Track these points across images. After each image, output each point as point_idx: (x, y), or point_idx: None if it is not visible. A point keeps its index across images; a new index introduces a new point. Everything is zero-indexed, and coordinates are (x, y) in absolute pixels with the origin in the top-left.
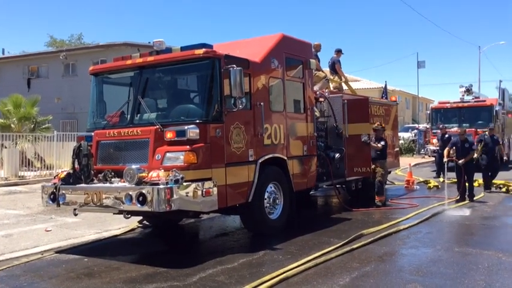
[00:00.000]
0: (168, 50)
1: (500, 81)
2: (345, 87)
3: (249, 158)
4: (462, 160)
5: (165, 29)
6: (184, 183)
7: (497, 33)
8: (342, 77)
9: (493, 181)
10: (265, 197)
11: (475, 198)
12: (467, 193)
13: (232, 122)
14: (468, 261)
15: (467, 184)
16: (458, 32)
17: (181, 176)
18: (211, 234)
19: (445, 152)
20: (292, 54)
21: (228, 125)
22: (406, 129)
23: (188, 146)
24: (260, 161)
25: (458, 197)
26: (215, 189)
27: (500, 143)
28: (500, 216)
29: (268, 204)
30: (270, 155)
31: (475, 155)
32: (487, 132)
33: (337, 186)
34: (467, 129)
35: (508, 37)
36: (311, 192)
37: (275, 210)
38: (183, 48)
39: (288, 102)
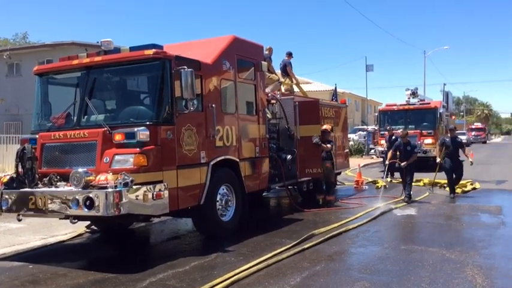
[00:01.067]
0: (117, 50)
1: (444, 84)
2: (296, 89)
3: (201, 160)
4: (404, 163)
5: (115, 29)
6: (134, 187)
7: (441, 39)
8: (293, 79)
9: (437, 180)
10: (218, 199)
11: (419, 198)
12: (405, 193)
13: (184, 124)
14: (414, 258)
15: (408, 184)
16: (405, 37)
17: (130, 179)
18: (162, 237)
19: (389, 154)
20: (244, 56)
21: (180, 127)
22: (355, 131)
23: (138, 149)
24: (212, 163)
25: (404, 197)
26: (166, 192)
27: (463, 146)
28: (444, 214)
29: (220, 207)
30: (222, 157)
31: (438, 159)
32: (448, 134)
33: (289, 187)
34: (413, 131)
35: (451, 42)
36: (264, 194)
37: (227, 212)
38: (132, 49)
39: (240, 104)
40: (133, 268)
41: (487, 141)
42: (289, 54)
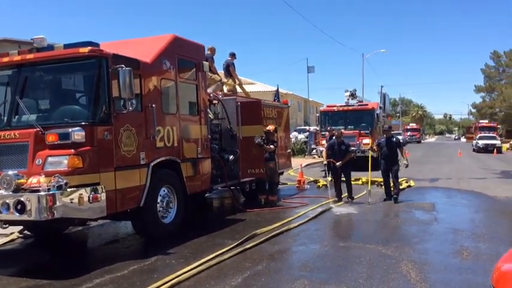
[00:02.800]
0: (50, 47)
1: (382, 86)
2: (239, 89)
3: (141, 161)
4: (339, 162)
5: (50, 27)
6: (69, 189)
7: (379, 42)
8: (236, 80)
9: (374, 179)
10: (158, 200)
11: (357, 196)
12: (347, 193)
13: (122, 124)
14: (352, 255)
15: (347, 184)
16: (345, 39)
17: (65, 181)
18: (100, 241)
19: (323, 153)
20: (185, 55)
21: (118, 128)
22: (299, 131)
23: (73, 150)
24: (152, 164)
25: (336, 198)
26: (103, 194)
27: (401, 145)
28: (381, 212)
29: (161, 208)
30: (163, 158)
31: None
32: (384, 135)
33: (232, 187)
34: (352, 131)
35: (388, 46)
36: (206, 195)
37: (169, 214)
38: (66, 46)
39: (181, 104)
40: (68, 274)
41: (422, 141)
42: (233, 55)
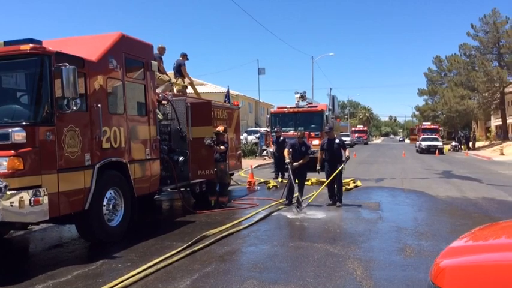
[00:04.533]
0: None
1: (331, 89)
2: (190, 90)
3: (85, 163)
4: (296, 163)
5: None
6: (8, 192)
7: (328, 45)
8: (188, 79)
9: (323, 180)
10: (104, 203)
11: (306, 197)
12: (298, 194)
13: (66, 124)
14: (301, 254)
15: (300, 185)
16: (295, 42)
17: (4, 184)
18: (43, 246)
19: (285, 153)
20: (133, 54)
21: (61, 128)
22: (249, 133)
23: (13, 151)
24: (97, 165)
25: (286, 199)
26: (46, 197)
27: (345, 147)
28: (329, 211)
29: (107, 211)
30: (109, 159)
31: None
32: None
33: (182, 189)
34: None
35: (336, 49)
36: (155, 197)
37: (115, 217)
38: (6, 43)
39: (128, 104)
40: (9, 280)
41: (369, 143)
42: (184, 56)
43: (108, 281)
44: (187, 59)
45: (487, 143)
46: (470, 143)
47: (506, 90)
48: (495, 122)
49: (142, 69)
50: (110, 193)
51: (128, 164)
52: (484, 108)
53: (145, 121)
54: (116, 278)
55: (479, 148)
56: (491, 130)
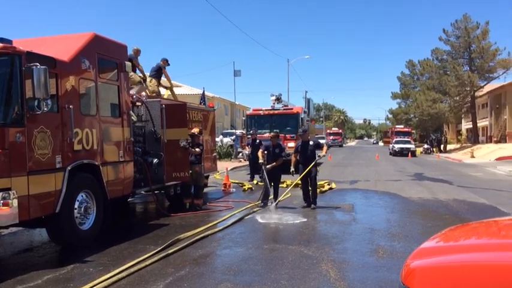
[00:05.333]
0: None
1: (306, 91)
2: (169, 92)
3: (57, 165)
4: (269, 165)
5: None
6: None
7: (303, 48)
8: (169, 83)
9: (298, 182)
10: (76, 206)
11: (280, 199)
12: (273, 196)
13: (36, 126)
14: (275, 256)
15: (274, 188)
16: (271, 45)
17: None
18: (12, 250)
19: (259, 154)
20: (106, 55)
21: (31, 129)
22: (225, 135)
23: None
24: (69, 168)
25: (261, 202)
26: (15, 200)
27: (322, 145)
28: (303, 213)
29: (79, 214)
30: (81, 162)
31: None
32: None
33: (156, 191)
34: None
35: (312, 52)
36: (129, 199)
37: (87, 220)
38: None
39: (101, 106)
40: None
41: (343, 145)
42: (165, 61)
43: (79, 286)
44: (168, 65)
45: (458, 145)
46: (442, 146)
47: (476, 94)
48: (466, 125)
49: (116, 70)
50: (82, 196)
51: (101, 167)
52: (455, 112)
53: (118, 123)
54: (87, 282)
55: (450, 151)
56: (462, 133)
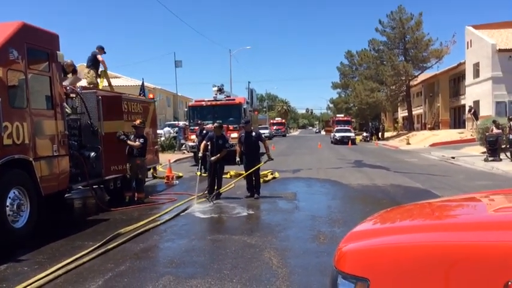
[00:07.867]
0: None
1: (249, 82)
2: (99, 81)
3: None
4: (213, 157)
5: None
6: None
7: (245, 39)
8: (105, 71)
9: (241, 172)
10: (8, 204)
11: (224, 189)
12: (216, 187)
13: None
14: (218, 247)
15: (218, 180)
16: (212, 35)
17: None
18: None
19: (202, 145)
20: (36, 45)
21: None
22: (168, 126)
23: None
24: None
25: (206, 193)
26: None
27: (263, 139)
28: (247, 203)
29: (11, 212)
30: (11, 157)
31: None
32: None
33: (95, 186)
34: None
35: (253, 43)
36: (66, 195)
37: (20, 218)
38: None
39: (32, 98)
40: None
41: (287, 135)
42: (101, 48)
43: (13, 286)
44: (105, 53)
45: (395, 133)
46: (380, 134)
47: (411, 83)
48: (402, 113)
49: (48, 61)
50: (14, 193)
51: (33, 162)
52: (391, 101)
53: (51, 115)
54: (22, 281)
55: (388, 138)
56: (399, 121)
